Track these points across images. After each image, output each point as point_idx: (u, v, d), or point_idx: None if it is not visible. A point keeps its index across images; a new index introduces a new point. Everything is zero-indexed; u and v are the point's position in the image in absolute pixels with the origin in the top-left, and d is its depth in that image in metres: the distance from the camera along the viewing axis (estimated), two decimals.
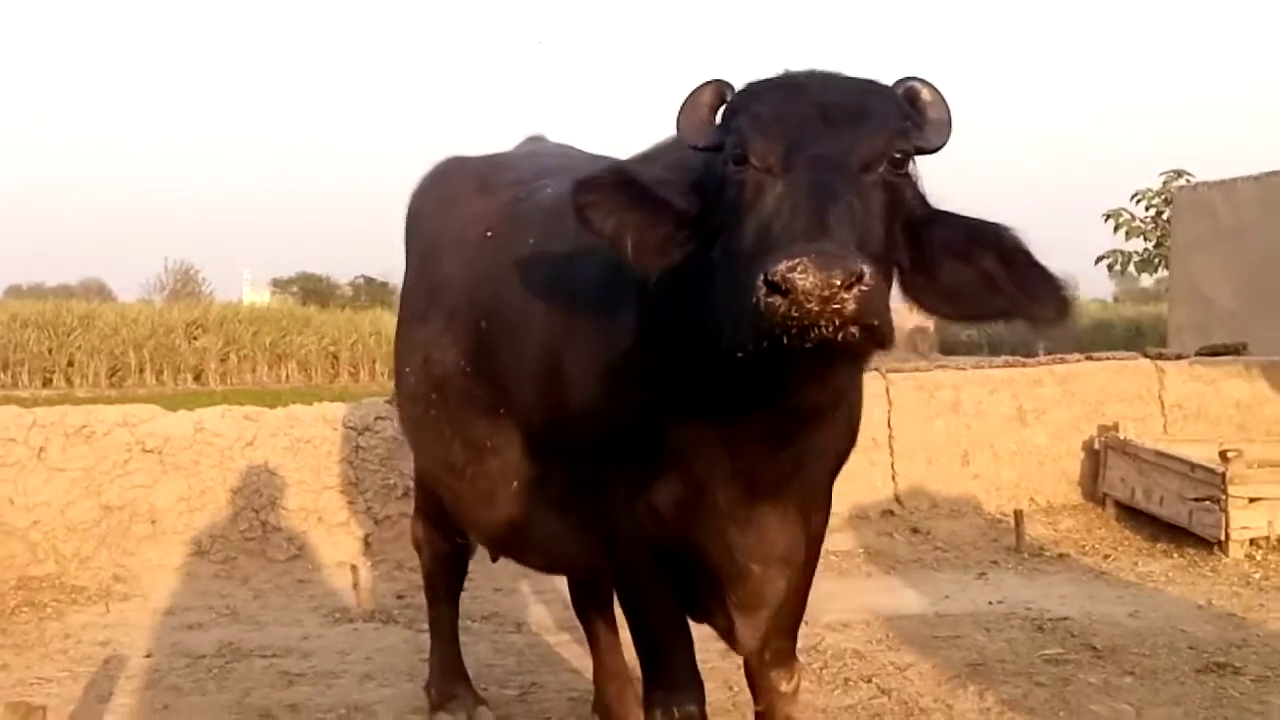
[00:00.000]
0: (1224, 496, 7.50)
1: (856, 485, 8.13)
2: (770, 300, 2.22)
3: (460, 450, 3.92)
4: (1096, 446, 8.91)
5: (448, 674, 4.88)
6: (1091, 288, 50.04)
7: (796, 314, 2.21)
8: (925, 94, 2.76)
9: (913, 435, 8.76)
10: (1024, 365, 9.60)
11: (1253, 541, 7.52)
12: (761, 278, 2.23)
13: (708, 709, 3.45)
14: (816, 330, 2.23)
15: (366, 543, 7.71)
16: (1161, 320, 21.82)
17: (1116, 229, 25.82)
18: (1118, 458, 8.66)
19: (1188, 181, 21.70)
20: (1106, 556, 7.88)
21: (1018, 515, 8.20)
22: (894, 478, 8.67)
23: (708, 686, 3.51)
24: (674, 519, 3.19)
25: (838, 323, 2.22)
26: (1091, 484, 8.95)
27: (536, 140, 4.88)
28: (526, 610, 6.65)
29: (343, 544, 7.67)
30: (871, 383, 8.28)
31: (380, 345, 31.69)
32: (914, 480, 8.70)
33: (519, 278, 3.59)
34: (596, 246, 2.90)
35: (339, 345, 33.43)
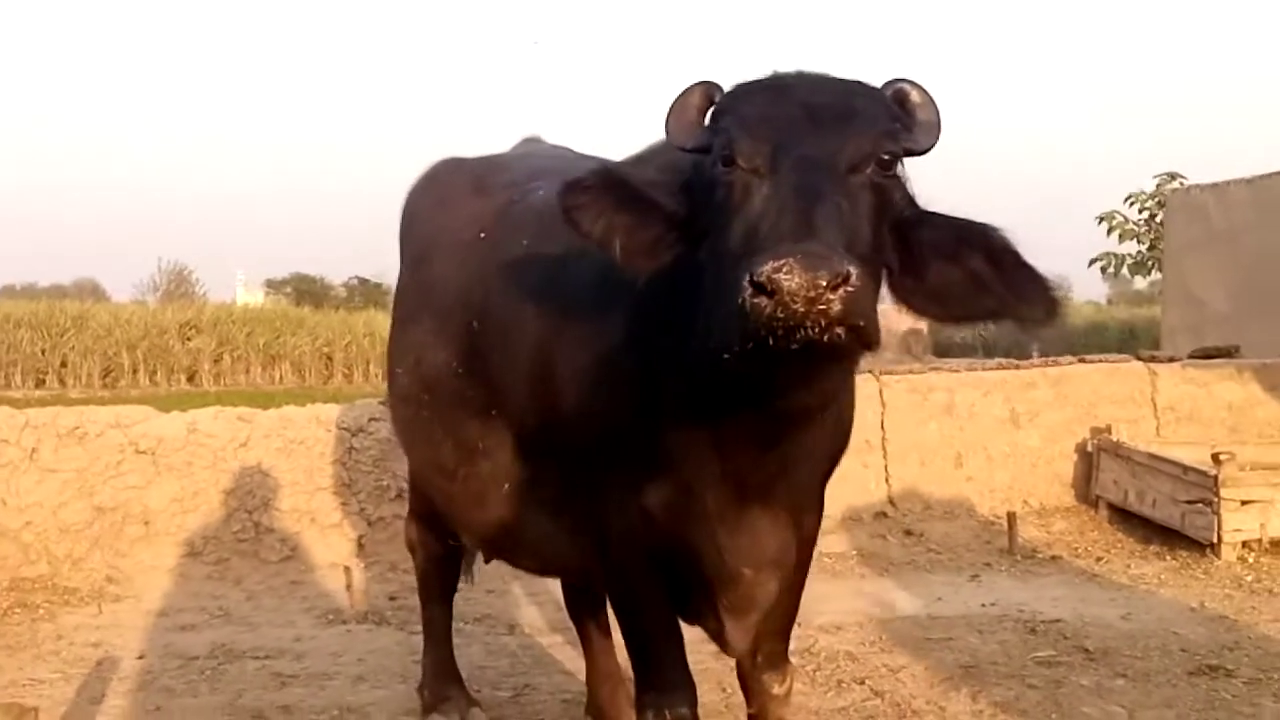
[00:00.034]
0: (1216, 499, 7.51)
1: (849, 487, 8.13)
2: (756, 301, 2.22)
3: (452, 451, 3.92)
4: (1089, 449, 8.93)
5: (441, 676, 4.88)
6: (1085, 290, 50.20)
7: (782, 315, 2.20)
8: (914, 96, 2.75)
9: (906, 437, 8.77)
10: (1017, 367, 9.60)
11: (1245, 544, 7.53)
12: (747, 278, 2.22)
13: (701, 711, 3.44)
14: (802, 331, 2.23)
15: (360, 544, 7.71)
16: (1155, 323, 21.86)
17: (1110, 232, 25.94)
18: (1110, 460, 8.67)
19: (1181, 184, 21.81)
20: (1099, 559, 7.89)
21: (1010, 517, 8.21)
22: (887, 479, 8.68)
23: (701, 688, 3.52)
24: (664, 521, 3.19)
25: (823, 323, 2.22)
26: (1084, 486, 8.96)
27: (533, 142, 4.88)
28: (520, 612, 6.65)
29: (336, 545, 7.66)
30: (864, 384, 8.30)
31: (374, 346, 31.62)
32: (907, 482, 8.71)
33: (511, 279, 3.59)
34: (588, 248, 2.89)
35: (333, 346, 33.38)
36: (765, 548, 3.20)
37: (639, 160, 3.36)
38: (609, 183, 2.81)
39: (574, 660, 5.43)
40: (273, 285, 57.59)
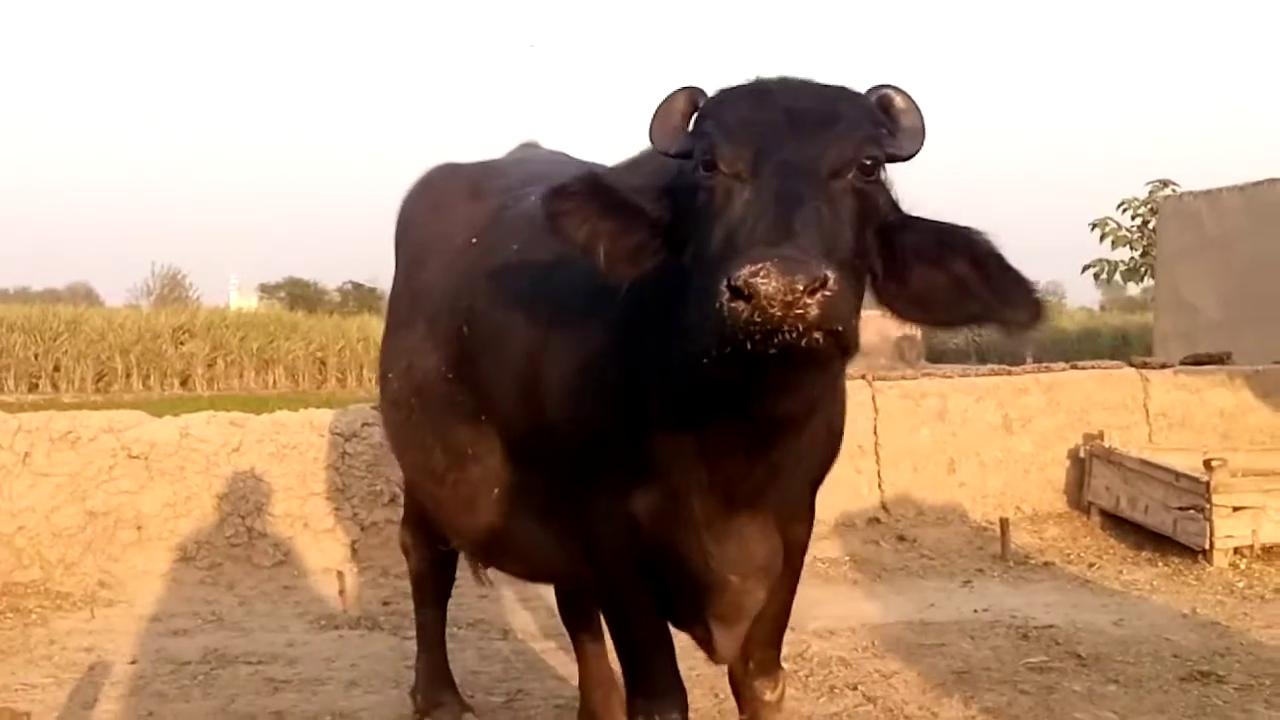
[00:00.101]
0: (1208, 505, 7.54)
1: (842, 493, 8.15)
2: (734, 305, 2.22)
3: (441, 456, 3.92)
4: (1082, 455, 8.95)
5: (434, 681, 4.88)
6: (1078, 296, 50.33)
7: (759, 319, 2.20)
8: (898, 101, 2.75)
9: (899, 443, 8.78)
10: (1010, 374, 9.64)
11: (1237, 550, 7.56)
12: (725, 283, 2.23)
13: (693, 716, 3.44)
14: (780, 335, 2.22)
15: (353, 549, 7.70)
16: (1148, 329, 21.90)
17: (1103, 238, 26.02)
18: (1103, 466, 8.69)
19: (1173, 191, 21.85)
20: (1091, 565, 7.91)
21: (1003, 523, 8.22)
22: (880, 485, 8.68)
23: (693, 694, 3.52)
24: (651, 528, 3.18)
25: (801, 328, 2.22)
26: (1077, 492, 8.98)
27: (530, 147, 4.88)
28: (512, 617, 6.65)
29: (329, 550, 7.66)
30: (857, 390, 8.31)
31: (368, 351, 31.56)
32: (900, 488, 8.72)
33: (501, 285, 3.59)
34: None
35: (326, 351, 33.31)
36: (753, 555, 3.19)
37: (633, 165, 3.36)
38: (593, 189, 2.81)
39: (567, 665, 5.43)
40: (266, 290, 57.63)
